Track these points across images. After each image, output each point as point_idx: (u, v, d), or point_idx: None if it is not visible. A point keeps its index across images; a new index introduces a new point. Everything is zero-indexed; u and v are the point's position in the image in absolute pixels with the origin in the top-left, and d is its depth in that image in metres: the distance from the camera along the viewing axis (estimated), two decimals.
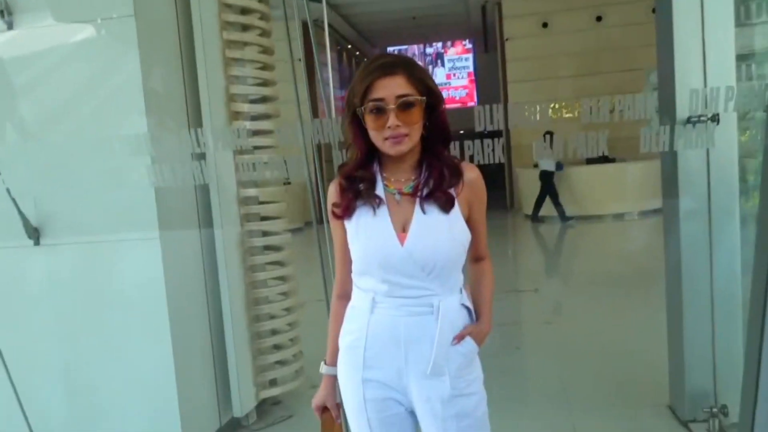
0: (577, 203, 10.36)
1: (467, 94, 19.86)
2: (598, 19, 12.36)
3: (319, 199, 2.43)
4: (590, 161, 10.56)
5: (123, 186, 2.72)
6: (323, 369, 1.58)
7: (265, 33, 3.24)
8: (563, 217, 10.25)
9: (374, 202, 1.41)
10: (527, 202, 11.59)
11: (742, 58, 2.94)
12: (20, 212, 2.72)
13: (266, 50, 3.26)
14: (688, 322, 2.87)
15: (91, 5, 2.71)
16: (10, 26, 2.74)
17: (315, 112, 3.02)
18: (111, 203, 2.73)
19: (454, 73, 20.05)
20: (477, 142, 2.41)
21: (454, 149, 2.33)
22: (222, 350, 3.08)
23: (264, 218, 3.27)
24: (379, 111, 1.35)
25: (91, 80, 2.76)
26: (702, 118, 2.57)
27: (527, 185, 11.64)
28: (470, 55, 20.03)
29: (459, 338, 1.44)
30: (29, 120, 2.83)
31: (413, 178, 1.44)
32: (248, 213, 3.18)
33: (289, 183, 4.50)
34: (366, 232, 1.42)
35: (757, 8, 3.09)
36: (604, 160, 10.43)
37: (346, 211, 1.44)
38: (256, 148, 3.14)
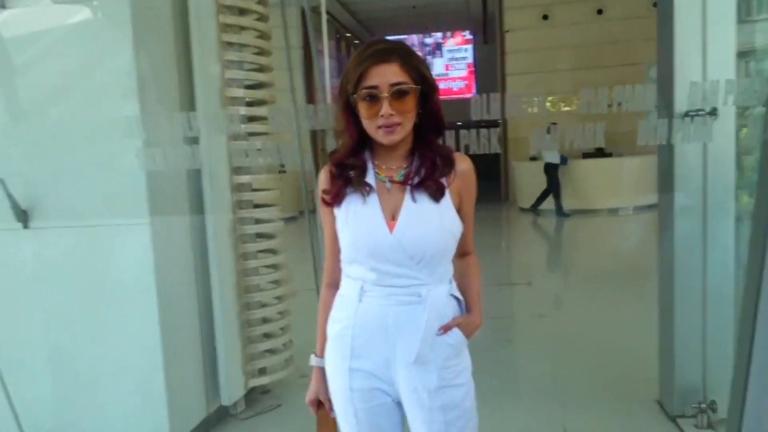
0: (573, 197, 10.36)
1: (466, 85, 19.81)
2: (599, 12, 12.33)
3: (312, 188, 2.41)
4: (586, 155, 10.57)
5: (114, 170, 2.69)
6: (313, 361, 1.56)
7: (262, 18, 3.20)
8: (559, 212, 10.24)
9: (364, 189, 1.39)
10: (522, 195, 11.60)
11: (741, 55, 2.92)
12: (9, 194, 2.68)
13: (263, 35, 3.22)
14: (680, 317, 2.87)
15: None
16: (2, 5, 2.69)
17: (311, 101, 3.00)
18: (102, 187, 2.69)
19: (453, 64, 19.98)
20: (473, 132, 2.39)
21: (449, 138, 2.31)
22: (211, 338, 3.06)
23: (257, 205, 3.24)
24: (373, 99, 1.33)
25: (83, 62, 2.72)
26: (700, 112, 2.55)
27: (522, 178, 11.65)
28: (469, 46, 19.97)
29: (445, 329, 1.43)
30: (20, 101, 2.79)
31: (405, 166, 1.42)
32: (241, 200, 3.15)
33: (284, 171, 4.47)
34: (355, 220, 1.40)
35: (758, 5, 3.07)
36: (600, 154, 10.44)
37: (335, 198, 1.42)
38: (250, 134, 3.11)
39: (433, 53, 19.74)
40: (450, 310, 1.45)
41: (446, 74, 19.46)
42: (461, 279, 1.53)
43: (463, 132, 2.36)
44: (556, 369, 3.69)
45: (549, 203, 10.44)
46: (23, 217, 2.73)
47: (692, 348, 2.85)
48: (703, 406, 2.80)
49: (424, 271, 1.39)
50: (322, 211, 1.48)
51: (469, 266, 1.56)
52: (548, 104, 2.63)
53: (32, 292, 2.82)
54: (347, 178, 1.41)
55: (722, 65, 2.68)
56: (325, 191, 1.45)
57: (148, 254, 2.66)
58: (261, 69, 3.21)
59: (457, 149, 2.32)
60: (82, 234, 2.73)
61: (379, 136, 1.36)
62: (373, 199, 1.40)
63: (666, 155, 2.89)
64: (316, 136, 3.15)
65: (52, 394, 2.86)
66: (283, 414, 3.22)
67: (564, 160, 10.12)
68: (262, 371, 3.30)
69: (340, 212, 1.43)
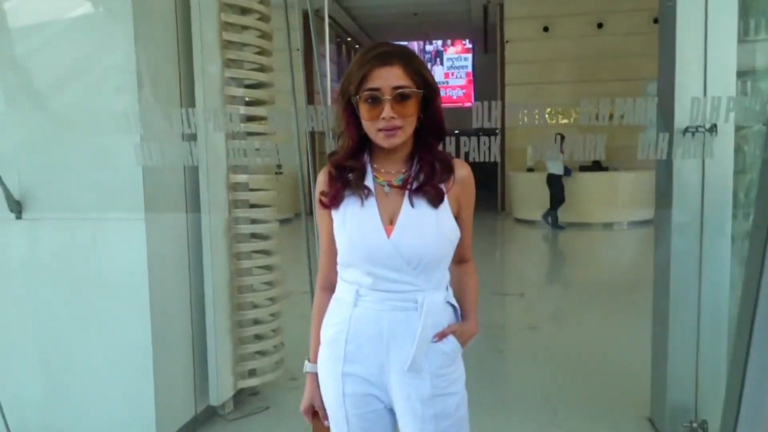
0: (568, 210, 10.37)
1: (464, 94, 19.87)
2: (599, 25, 12.40)
3: (309, 190, 2.39)
4: (583, 168, 10.59)
5: (111, 164, 2.67)
6: (307, 367, 1.53)
7: (264, 18, 3.19)
8: (554, 224, 10.24)
9: (363, 192, 1.38)
10: (518, 206, 11.61)
11: (738, 74, 2.93)
12: (2, 184, 2.66)
13: (264, 35, 3.21)
14: (673, 335, 2.86)
15: None
16: None
17: (311, 102, 2.98)
18: (97, 180, 2.67)
19: (453, 72, 20.05)
20: (473, 139, 2.38)
21: (449, 145, 2.31)
22: (202, 337, 3.04)
23: (253, 205, 3.23)
24: (375, 101, 1.32)
25: (83, 55, 2.70)
26: (700, 129, 2.56)
27: (519, 188, 11.67)
28: (469, 55, 20.04)
29: (440, 336, 1.41)
30: (18, 92, 2.77)
31: (404, 170, 1.41)
32: (237, 199, 3.13)
33: (281, 172, 4.45)
34: (352, 223, 1.39)
35: (756, 26, 3.08)
36: (597, 167, 10.46)
37: (333, 200, 1.41)
38: (249, 134, 3.09)
39: (433, 61, 19.80)
40: (446, 317, 1.44)
41: (446, 82, 19.51)
42: (458, 286, 1.52)
43: (463, 139, 2.36)
44: (546, 382, 3.67)
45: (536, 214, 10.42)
46: (16, 207, 2.70)
47: (685, 366, 2.83)
48: (695, 425, 2.79)
49: (420, 277, 1.38)
50: (318, 213, 1.47)
51: (466, 274, 1.55)
52: (547, 116, 2.63)
53: (21, 283, 2.79)
54: (346, 180, 1.40)
55: (723, 83, 2.69)
56: (323, 193, 1.43)
57: (142, 250, 2.64)
58: (261, 69, 3.20)
59: (457, 156, 2.31)
60: (75, 227, 2.71)
61: (380, 139, 1.35)
62: (371, 202, 1.38)
63: (664, 171, 2.89)
64: (314, 138, 3.14)
65: (39, 390, 2.83)
66: (272, 416, 3.20)
67: (568, 171, 10.08)
68: (252, 373, 3.27)
69: (337, 215, 1.41)
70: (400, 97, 1.32)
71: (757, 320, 1.94)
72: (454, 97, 19.57)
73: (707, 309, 2.79)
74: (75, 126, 2.67)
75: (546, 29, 12.76)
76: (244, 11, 3.09)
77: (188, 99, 2.90)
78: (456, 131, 2.30)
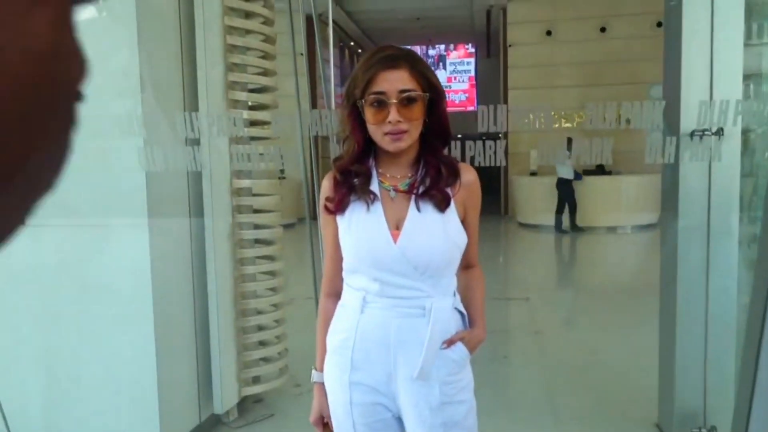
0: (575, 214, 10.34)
1: (467, 98, 19.87)
2: (602, 30, 12.37)
3: (313, 195, 2.38)
4: (587, 172, 10.57)
5: (113, 169, 2.65)
6: (315, 377, 1.51)
7: (267, 21, 3.18)
8: (558, 227, 10.20)
9: (368, 197, 1.37)
10: (521, 210, 11.58)
11: (744, 78, 2.92)
12: None
13: (268, 39, 3.20)
14: (681, 340, 2.83)
15: None
16: None
17: (314, 107, 2.97)
18: (100, 186, 2.65)
19: (455, 77, 20.06)
20: (478, 143, 2.36)
21: (454, 149, 2.29)
22: (206, 344, 3.02)
23: (257, 211, 3.21)
24: (380, 104, 1.31)
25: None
26: (706, 132, 2.54)
27: (522, 192, 11.64)
28: (472, 59, 20.05)
29: (449, 343, 1.39)
30: None
31: (410, 175, 1.39)
32: (240, 204, 3.12)
33: (284, 177, 4.44)
34: (358, 229, 1.37)
35: (759, 30, 3.07)
36: (600, 171, 10.43)
37: (339, 205, 1.39)
38: (252, 138, 3.08)
39: (436, 65, 19.81)
40: (454, 323, 1.42)
41: (449, 86, 19.52)
42: (465, 292, 1.50)
43: (468, 143, 2.34)
44: (552, 387, 3.64)
45: (548, 219, 10.39)
46: None
47: (693, 370, 2.80)
48: (704, 431, 2.76)
49: (428, 283, 1.36)
50: (323, 218, 1.45)
51: (473, 279, 1.53)
52: (556, 119, 2.61)
53: (24, 290, 2.77)
54: (351, 185, 1.38)
55: (729, 86, 2.67)
56: (328, 199, 1.42)
57: (145, 256, 2.62)
58: (265, 73, 3.19)
59: (463, 160, 2.30)
60: (78, 233, 2.69)
61: (386, 143, 1.33)
62: (377, 207, 1.37)
63: (670, 174, 2.87)
64: (317, 143, 3.13)
65: (42, 397, 2.81)
66: (276, 424, 3.17)
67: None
68: (256, 380, 3.25)
69: (342, 220, 1.40)
70: (407, 101, 1.30)
71: (767, 324, 1.91)
72: (457, 102, 19.57)
73: (715, 313, 2.76)
74: (78, 130, 2.65)
75: (549, 33, 12.75)
76: (248, 15, 3.08)
77: (192, 103, 2.89)
78: (459, 135, 2.28)
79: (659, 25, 10.43)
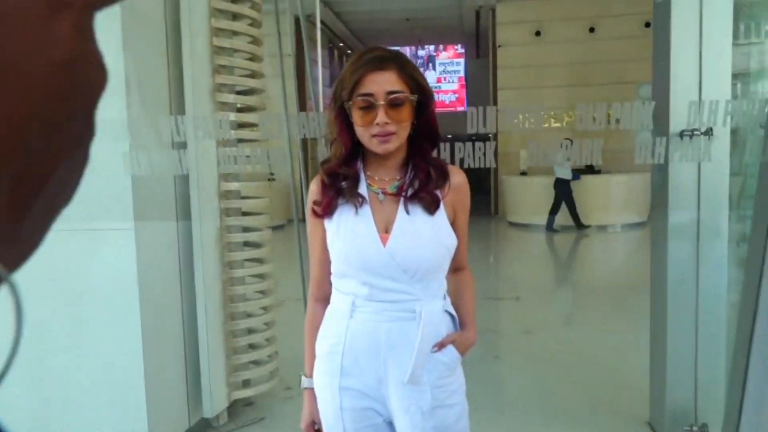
0: (563, 213, 10.37)
1: (457, 98, 19.90)
2: (591, 30, 12.42)
3: (302, 196, 2.36)
4: (576, 172, 10.59)
5: (99, 173, 2.62)
6: (305, 383, 1.50)
7: (255, 23, 3.16)
8: (550, 227, 10.22)
9: (357, 200, 1.35)
10: (511, 209, 11.61)
11: (732, 77, 2.93)
12: None
13: (255, 41, 3.17)
14: (672, 337, 2.84)
15: None
16: None
17: (302, 109, 2.95)
18: (84, 190, 2.59)
19: (445, 77, 20.08)
20: (468, 145, 2.35)
21: (444, 151, 2.27)
22: (194, 348, 2.99)
23: (245, 213, 3.18)
24: (368, 106, 1.29)
25: None
26: (695, 132, 2.54)
27: (512, 192, 11.67)
28: (462, 60, 20.08)
29: (440, 346, 1.38)
30: None
31: (398, 177, 1.38)
32: (228, 207, 3.09)
33: (273, 179, 4.41)
34: (347, 233, 1.35)
35: (746, 30, 3.08)
36: (590, 171, 10.46)
37: (326, 209, 1.37)
38: (240, 140, 3.05)
39: (425, 66, 19.82)
40: (444, 326, 1.41)
41: (438, 87, 19.53)
42: (455, 295, 1.49)
43: (458, 145, 2.33)
44: (543, 387, 3.64)
45: (540, 219, 10.41)
46: None
47: (684, 368, 2.81)
48: (695, 428, 2.76)
49: (417, 286, 1.34)
50: (310, 222, 1.43)
51: (463, 282, 1.52)
52: (548, 119, 2.61)
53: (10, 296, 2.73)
54: (339, 188, 1.37)
55: (718, 86, 2.67)
56: (315, 202, 1.40)
57: (132, 260, 2.59)
58: (252, 75, 3.16)
59: (452, 162, 2.28)
60: (64, 238, 2.65)
61: (374, 145, 1.32)
62: (366, 211, 1.35)
63: (659, 174, 2.87)
64: (306, 145, 3.11)
65: (30, 402, 2.77)
66: (267, 427, 3.15)
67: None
68: (246, 383, 3.22)
69: (330, 224, 1.38)
70: (394, 103, 1.29)
71: (757, 322, 1.92)
72: (447, 102, 19.59)
73: (705, 311, 2.77)
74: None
75: (538, 34, 12.79)
76: (235, 17, 3.05)
77: (178, 106, 2.86)
78: (449, 136, 2.27)
79: (647, 25, 10.50)
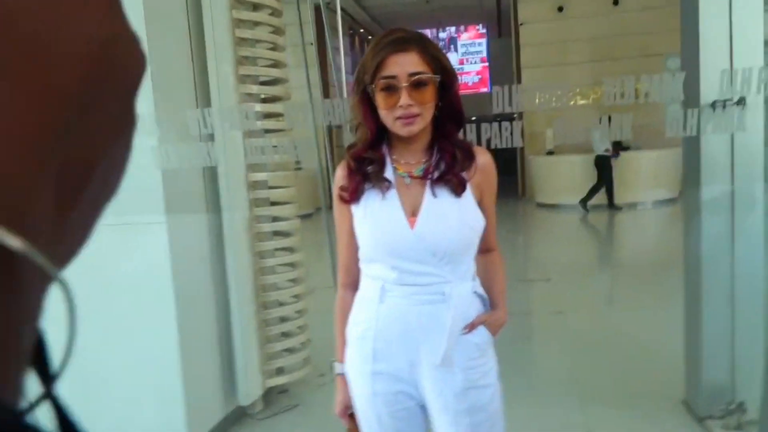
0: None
1: (480, 80, 19.68)
2: (615, 3, 12.14)
3: (329, 184, 2.37)
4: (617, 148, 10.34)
5: (130, 167, 2.65)
6: (337, 368, 1.50)
7: (275, 12, 3.16)
8: (584, 203, 10.06)
9: (383, 185, 1.35)
10: (539, 190, 11.48)
11: (765, 44, 2.84)
12: None
13: (277, 30, 3.18)
14: (707, 315, 2.79)
15: None
16: None
17: (327, 97, 2.95)
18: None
19: (467, 58, 19.85)
20: (494, 125, 2.32)
21: (470, 133, 2.25)
22: (228, 337, 3.04)
23: (273, 203, 3.21)
24: (391, 89, 1.28)
25: None
26: (728, 102, 2.47)
27: (539, 172, 11.52)
28: (483, 40, 19.81)
29: (471, 327, 1.38)
30: None
31: (424, 160, 1.38)
32: (257, 198, 3.12)
33: (299, 168, 4.42)
34: (374, 217, 1.35)
35: None
36: (618, 148, 10.27)
37: (353, 194, 1.37)
38: (266, 131, 3.07)
39: (447, 48, 19.63)
40: (474, 308, 1.41)
41: (461, 68, 19.33)
42: (485, 276, 1.48)
43: (484, 126, 2.30)
44: (577, 368, 3.62)
45: (562, 198, 10.27)
46: None
47: (720, 346, 2.76)
48: (732, 407, 2.72)
49: (446, 268, 1.34)
50: (337, 208, 1.43)
51: (492, 263, 1.51)
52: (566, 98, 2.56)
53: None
54: (365, 173, 1.37)
55: (750, 53, 2.59)
56: (342, 188, 1.40)
57: (165, 253, 2.63)
58: (275, 65, 3.17)
59: (479, 143, 2.26)
60: (97, 233, 2.71)
61: (397, 128, 1.31)
62: (392, 195, 1.35)
63: (691, 148, 2.80)
64: (331, 133, 3.11)
65: (67, 394, 2.84)
66: (301, 414, 3.19)
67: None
68: (280, 371, 3.27)
69: (358, 209, 1.38)
70: (417, 84, 1.28)
71: None
72: (470, 84, 19.39)
73: (741, 286, 2.71)
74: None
75: (560, 9, 12.54)
76: (256, 7, 3.06)
77: (204, 99, 2.88)
78: (474, 117, 2.25)
79: None
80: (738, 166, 2.68)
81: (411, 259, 1.33)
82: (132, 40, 0.26)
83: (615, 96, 2.33)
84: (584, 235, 9.44)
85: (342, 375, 1.49)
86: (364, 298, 1.42)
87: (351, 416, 1.50)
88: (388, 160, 1.38)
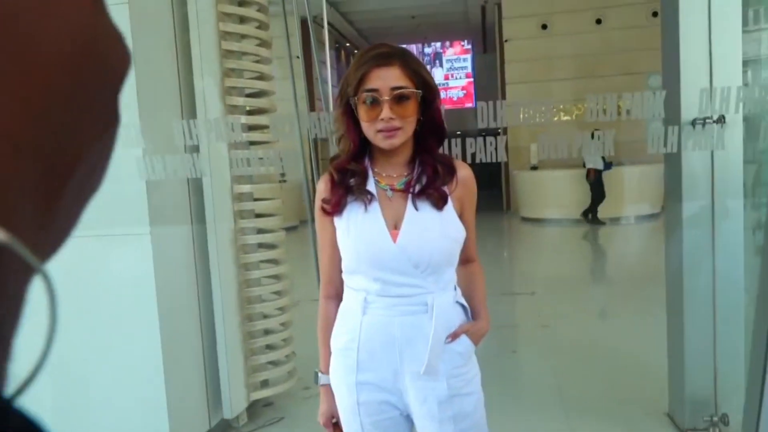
0: (577, 207, 10.30)
1: (465, 95, 19.84)
2: (598, 21, 12.33)
3: (314, 197, 2.38)
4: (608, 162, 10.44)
5: (114, 178, 2.64)
6: (321, 379, 1.51)
7: (262, 26, 3.18)
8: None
9: (365, 197, 1.36)
10: (524, 204, 11.56)
11: (744, 64, 2.90)
12: None
13: (263, 43, 3.19)
14: (689, 328, 2.82)
15: None
16: None
17: (312, 110, 2.97)
18: (100, 196, 2.63)
19: (452, 74, 20.02)
20: (479, 140, 2.35)
21: (455, 147, 2.28)
22: (213, 350, 3.01)
23: (258, 215, 3.21)
24: (373, 102, 1.30)
25: None
26: (708, 120, 2.52)
27: (523, 187, 11.61)
28: (469, 56, 20.01)
29: (453, 336, 1.39)
30: None
31: (405, 173, 1.40)
32: (242, 209, 3.11)
33: (285, 180, 4.42)
34: (357, 229, 1.37)
35: (755, 16, 3.05)
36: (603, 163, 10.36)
37: (336, 207, 1.39)
38: (252, 143, 3.07)
39: (432, 63, 19.78)
40: (457, 317, 1.42)
41: (446, 84, 19.49)
42: (466, 286, 1.50)
43: (469, 140, 2.33)
44: (561, 380, 3.63)
45: (549, 213, 10.35)
46: None
47: (702, 359, 2.79)
48: (715, 419, 2.75)
49: (429, 279, 1.36)
50: (319, 220, 1.45)
51: (472, 273, 1.53)
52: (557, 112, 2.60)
53: (28, 302, 2.77)
54: (347, 186, 1.38)
55: (729, 72, 2.65)
56: (324, 200, 1.41)
57: (149, 264, 2.62)
58: (261, 77, 3.18)
59: (464, 157, 2.29)
60: (81, 244, 2.68)
61: (379, 140, 1.33)
62: (375, 207, 1.37)
63: (673, 164, 2.85)
64: (317, 145, 3.13)
65: (51, 406, 2.81)
66: (286, 427, 3.17)
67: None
68: (265, 384, 3.25)
69: (340, 222, 1.39)
70: (399, 98, 1.30)
71: None
72: (455, 99, 19.55)
73: (722, 299, 2.75)
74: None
75: (545, 27, 12.71)
76: (243, 20, 3.07)
77: (189, 110, 2.89)
78: (458, 132, 2.27)
79: (655, 15, 10.40)
80: (718, 182, 2.73)
81: (393, 271, 1.34)
82: (116, 36, 0.26)
83: (598, 112, 2.37)
84: (568, 249, 9.50)
85: (326, 385, 1.50)
86: (347, 310, 1.43)
87: (335, 426, 1.50)
88: (370, 173, 1.39)
